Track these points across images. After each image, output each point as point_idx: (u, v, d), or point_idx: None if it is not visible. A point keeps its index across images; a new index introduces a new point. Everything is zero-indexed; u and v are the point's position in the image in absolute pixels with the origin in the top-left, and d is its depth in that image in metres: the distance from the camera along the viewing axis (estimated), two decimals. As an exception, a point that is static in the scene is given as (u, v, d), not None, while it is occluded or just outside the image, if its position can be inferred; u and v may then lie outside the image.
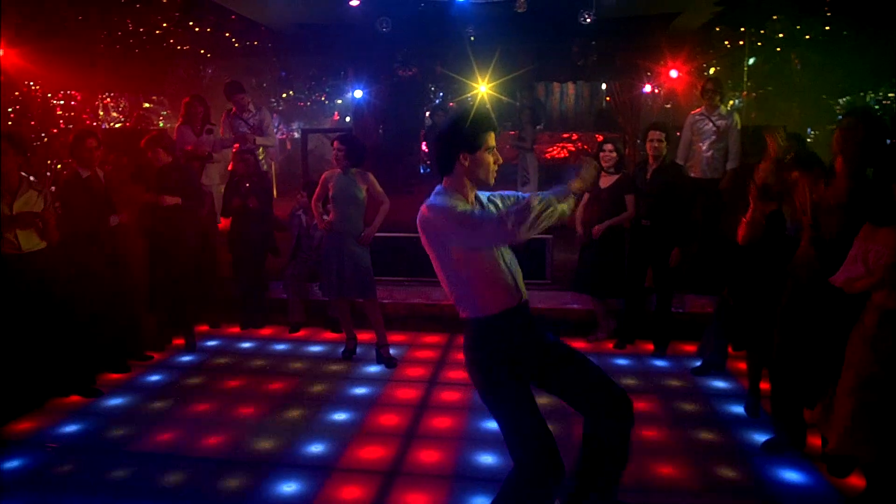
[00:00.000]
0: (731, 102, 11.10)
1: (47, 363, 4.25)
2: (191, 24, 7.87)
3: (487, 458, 3.50)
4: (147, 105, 12.58)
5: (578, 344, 5.37)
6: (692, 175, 5.91)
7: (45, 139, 10.00)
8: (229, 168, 6.36)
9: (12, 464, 3.52)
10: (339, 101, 17.43)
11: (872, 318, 2.82)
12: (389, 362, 4.92)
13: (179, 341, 5.46)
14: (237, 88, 6.51)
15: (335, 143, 4.76)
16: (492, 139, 2.37)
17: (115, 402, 4.33)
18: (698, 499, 3.15)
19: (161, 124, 13.09)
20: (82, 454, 3.62)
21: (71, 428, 3.94)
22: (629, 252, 5.08)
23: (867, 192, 3.01)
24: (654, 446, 3.61)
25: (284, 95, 15.45)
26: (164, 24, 7.70)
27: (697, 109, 6.02)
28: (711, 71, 10.37)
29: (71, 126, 10.69)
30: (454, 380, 4.67)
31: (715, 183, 5.97)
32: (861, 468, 3.10)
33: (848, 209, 3.05)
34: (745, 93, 10.43)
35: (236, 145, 6.21)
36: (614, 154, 5.00)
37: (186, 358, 5.19)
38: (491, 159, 2.38)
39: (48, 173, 9.86)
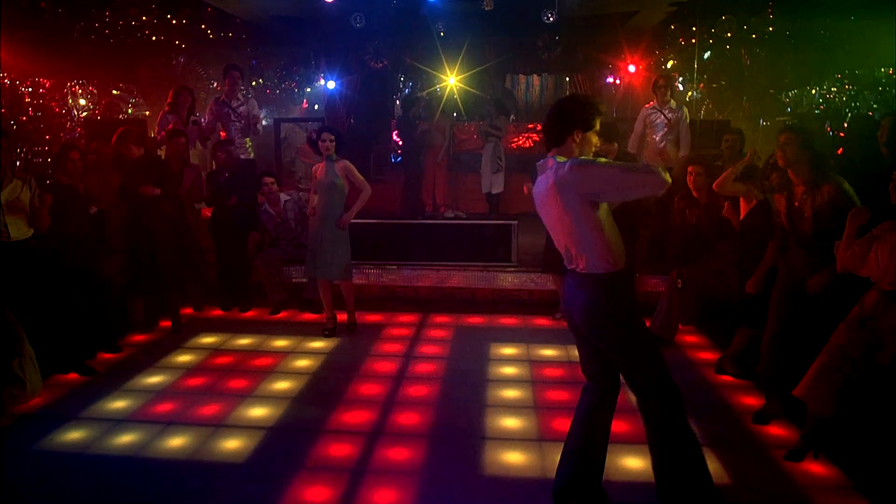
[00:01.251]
0: (689, 94, 11.68)
1: (43, 343, 4.50)
2: (168, 16, 8.03)
3: (459, 420, 3.93)
4: (116, 92, 12.58)
5: (543, 321, 5.85)
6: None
7: (14, 127, 10.03)
8: (218, 160, 6.59)
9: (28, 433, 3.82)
10: (309, 90, 17.59)
11: (872, 298, 3.20)
12: (350, 327, 5.51)
13: (166, 324, 5.76)
14: (234, 67, 6.85)
15: (325, 134, 5.11)
16: (598, 124, 2.73)
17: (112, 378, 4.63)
18: (640, 448, 3.60)
19: (129, 111, 13.14)
20: (86, 425, 3.93)
21: (73, 402, 4.23)
22: None
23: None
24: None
25: (254, 83, 15.56)
26: (143, 18, 7.84)
27: (650, 104, 6.50)
28: (670, 64, 10.90)
29: (40, 114, 10.74)
30: (428, 354, 5.08)
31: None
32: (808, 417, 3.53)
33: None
34: (701, 85, 11.00)
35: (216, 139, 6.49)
36: None
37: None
38: (595, 140, 2.74)
39: (17, 162, 9.91)
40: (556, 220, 2.73)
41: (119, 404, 4.20)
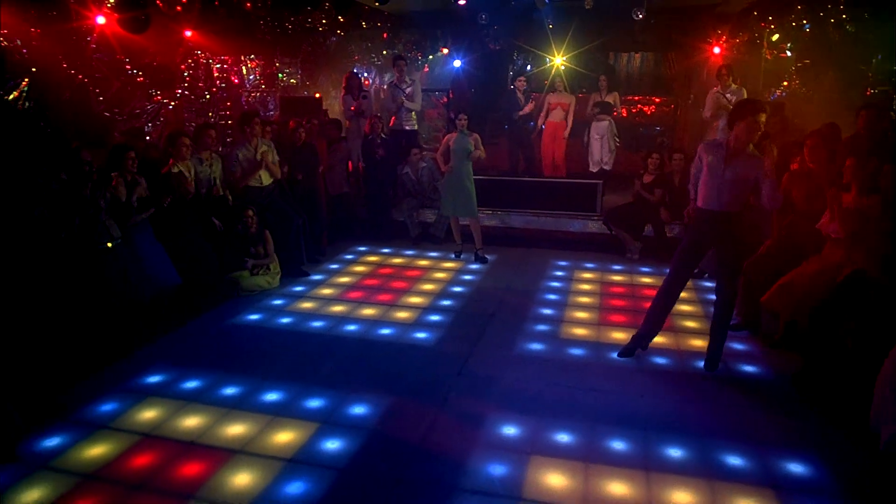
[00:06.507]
0: (794, 66, 12.58)
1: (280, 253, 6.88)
2: (339, 18, 10.26)
3: (547, 310, 5.94)
4: (277, 64, 15.21)
5: (613, 258, 7.69)
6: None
7: (208, 96, 12.78)
8: (365, 129, 8.72)
9: (298, 289, 6.33)
10: (431, 57, 19.68)
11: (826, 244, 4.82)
12: (483, 260, 7.46)
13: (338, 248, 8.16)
14: (400, 57, 8.97)
15: (461, 115, 7.19)
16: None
17: (316, 277, 7.01)
18: (671, 347, 5.42)
19: (281, 76, 15.81)
20: (310, 301, 6.28)
21: (298, 288, 6.63)
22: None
23: None
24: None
25: (385, 52, 17.85)
26: (325, 20, 10.13)
27: (716, 88, 7.99)
28: (774, 38, 11.90)
29: (224, 85, 13.48)
30: (528, 274, 7.11)
31: (729, 145, 7.96)
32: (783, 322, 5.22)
33: None
34: (800, 62, 11.90)
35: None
36: (658, 161, 7.56)
37: (348, 256, 7.85)
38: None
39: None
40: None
41: (326, 291, 6.56)
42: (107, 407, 4.21)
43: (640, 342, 4.96)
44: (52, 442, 3.78)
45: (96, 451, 3.70)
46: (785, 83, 12.08)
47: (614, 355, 4.99)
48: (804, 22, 9.47)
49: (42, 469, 3.53)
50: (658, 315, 4.89)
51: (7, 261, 4.39)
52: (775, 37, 11.85)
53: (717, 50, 10.03)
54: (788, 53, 12.21)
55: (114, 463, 3.59)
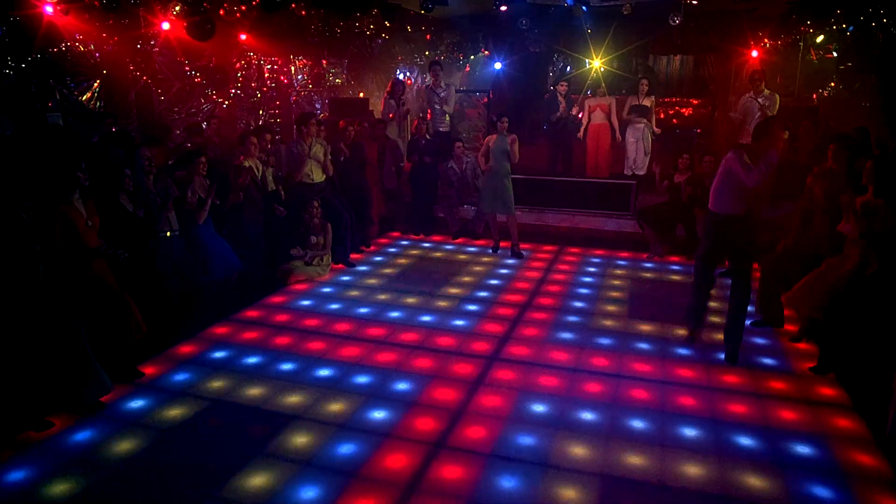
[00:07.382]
0: (836, 69, 12.55)
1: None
2: (386, 23, 10.74)
3: (578, 303, 6.29)
4: (324, 63, 15.81)
5: (643, 256, 7.97)
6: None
7: (259, 95, 13.41)
8: (412, 130, 9.20)
9: (345, 278, 6.80)
10: (472, 57, 20.07)
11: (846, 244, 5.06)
12: (519, 255, 7.85)
13: (383, 241, 8.61)
14: (436, 62, 9.45)
15: (503, 118, 7.57)
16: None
17: (362, 268, 7.49)
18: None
19: (328, 76, 16.40)
20: (356, 290, 6.75)
21: (345, 278, 7.12)
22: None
23: None
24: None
25: (427, 53, 18.31)
26: (372, 27, 10.62)
27: (748, 93, 8.18)
28: (818, 40, 11.92)
29: (274, 84, 14.10)
30: (562, 269, 7.46)
31: (762, 147, 8.15)
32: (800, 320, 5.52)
33: None
34: (843, 65, 11.87)
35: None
36: (688, 160, 7.74)
37: (392, 249, 8.32)
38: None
39: (260, 122, 13.28)
40: None
41: (372, 281, 7.03)
42: (179, 377, 4.75)
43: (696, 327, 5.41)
44: (137, 404, 4.33)
45: (174, 412, 4.23)
46: (832, 83, 12.09)
47: (641, 345, 5.33)
48: (843, 25, 9.53)
49: (130, 425, 4.07)
50: (700, 310, 5.33)
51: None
52: (819, 38, 11.89)
53: (755, 53, 10.17)
54: (835, 54, 12.22)
55: (189, 422, 4.11)
